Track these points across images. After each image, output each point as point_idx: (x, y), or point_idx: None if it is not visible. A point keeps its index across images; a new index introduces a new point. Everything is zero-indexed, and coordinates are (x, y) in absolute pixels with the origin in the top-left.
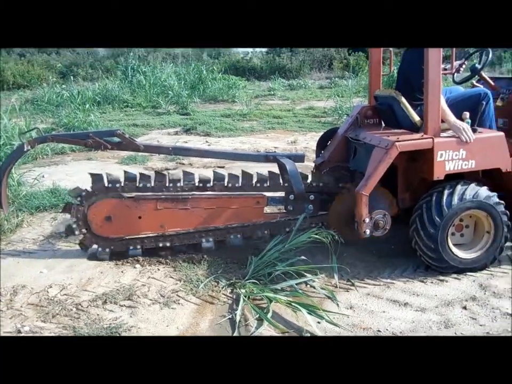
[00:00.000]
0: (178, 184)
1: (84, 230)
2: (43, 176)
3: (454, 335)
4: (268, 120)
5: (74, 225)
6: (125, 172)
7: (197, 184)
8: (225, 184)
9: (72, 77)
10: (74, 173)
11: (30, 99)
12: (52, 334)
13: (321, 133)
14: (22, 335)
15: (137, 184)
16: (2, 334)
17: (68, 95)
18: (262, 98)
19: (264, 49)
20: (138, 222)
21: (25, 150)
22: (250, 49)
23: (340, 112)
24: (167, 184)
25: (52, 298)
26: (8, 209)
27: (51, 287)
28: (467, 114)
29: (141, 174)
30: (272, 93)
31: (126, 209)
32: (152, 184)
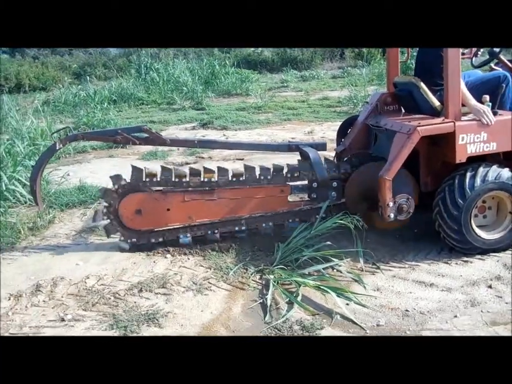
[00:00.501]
0: (212, 180)
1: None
2: (68, 175)
3: (480, 312)
4: (283, 112)
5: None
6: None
7: (230, 178)
8: (257, 177)
9: (88, 77)
10: (97, 170)
11: (47, 100)
12: (94, 321)
13: (337, 123)
14: (23, 335)
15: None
16: (46, 323)
17: (85, 95)
18: (276, 90)
19: None
20: (167, 214)
21: (57, 148)
22: None
23: (355, 101)
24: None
25: (90, 288)
26: (42, 206)
27: (88, 278)
28: (487, 97)
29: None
30: (285, 84)
31: (154, 202)
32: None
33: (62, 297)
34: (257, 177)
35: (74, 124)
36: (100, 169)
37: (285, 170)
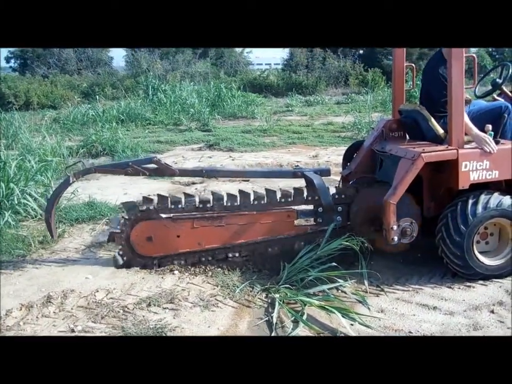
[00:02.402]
0: (221, 203)
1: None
2: (77, 191)
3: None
4: (288, 136)
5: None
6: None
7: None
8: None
9: (97, 96)
10: (105, 187)
11: (56, 118)
12: (103, 334)
13: (342, 147)
14: (17, 335)
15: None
16: (56, 334)
17: (93, 113)
18: (281, 114)
19: (280, 66)
20: (177, 240)
21: (70, 182)
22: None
23: (359, 126)
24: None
25: (100, 302)
26: (56, 236)
27: (98, 291)
28: (489, 126)
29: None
30: (290, 109)
31: (165, 228)
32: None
33: (72, 309)
34: (265, 202)
35: (83, 142)
36: (108, 187)
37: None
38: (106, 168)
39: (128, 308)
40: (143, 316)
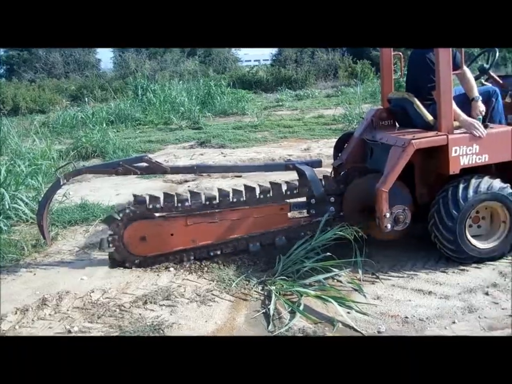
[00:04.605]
0: (214, 202)
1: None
2: (69, 193)
3: (478, 318)
4: (279, 130)
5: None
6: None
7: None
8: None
9: (86, 99)
10: (98, 188)
11: (44, 122)
12: (100, 333)
13: (333, 139)
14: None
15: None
16: (53, 334)
17: (83, 116)
18: (271, 109)
19: (268, 62)
20: (171, 239)
21: (61, 184)
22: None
23: (350, 118)
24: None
25: (95, 302)
26: (50, 240)
27: (93, 291)
28: (481, 107)
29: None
30: (280, 103)
31: (158, 227)
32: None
33: (67, 310)
34: (258, 197)
35: (73, 145)
36: (100, 188)
37: (284, 188)
38: (96, 169)
39: (124, 307)
40: (140, 314)
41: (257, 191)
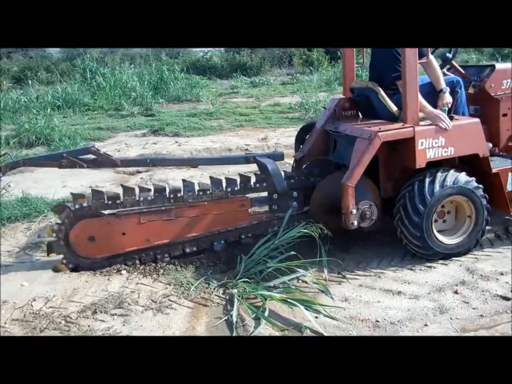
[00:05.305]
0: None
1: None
2: (9, 186)
3: (450, 320)
4: (235, 118)
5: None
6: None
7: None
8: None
9: (30, 81)
10: (42, 180)
11: None
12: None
13: (290, 128)
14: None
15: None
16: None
17: (26, 100)
18: (226, 96)
19: (223, 48)
20: (123, 239)
21: None
22: (210, 48)
23: (306, 107)
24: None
25: (38, 312)
26: None
27: (35, 300)
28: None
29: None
30: (236, 90)
31: (108, 226)
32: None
33: (5, 323)
34: (215, 192)
35: (15, 132)
36: (44, 179)
37: (241, 182)
38: (37, 161)
39: (70, 318)
40: (89, 326)
41: (224, 184)
